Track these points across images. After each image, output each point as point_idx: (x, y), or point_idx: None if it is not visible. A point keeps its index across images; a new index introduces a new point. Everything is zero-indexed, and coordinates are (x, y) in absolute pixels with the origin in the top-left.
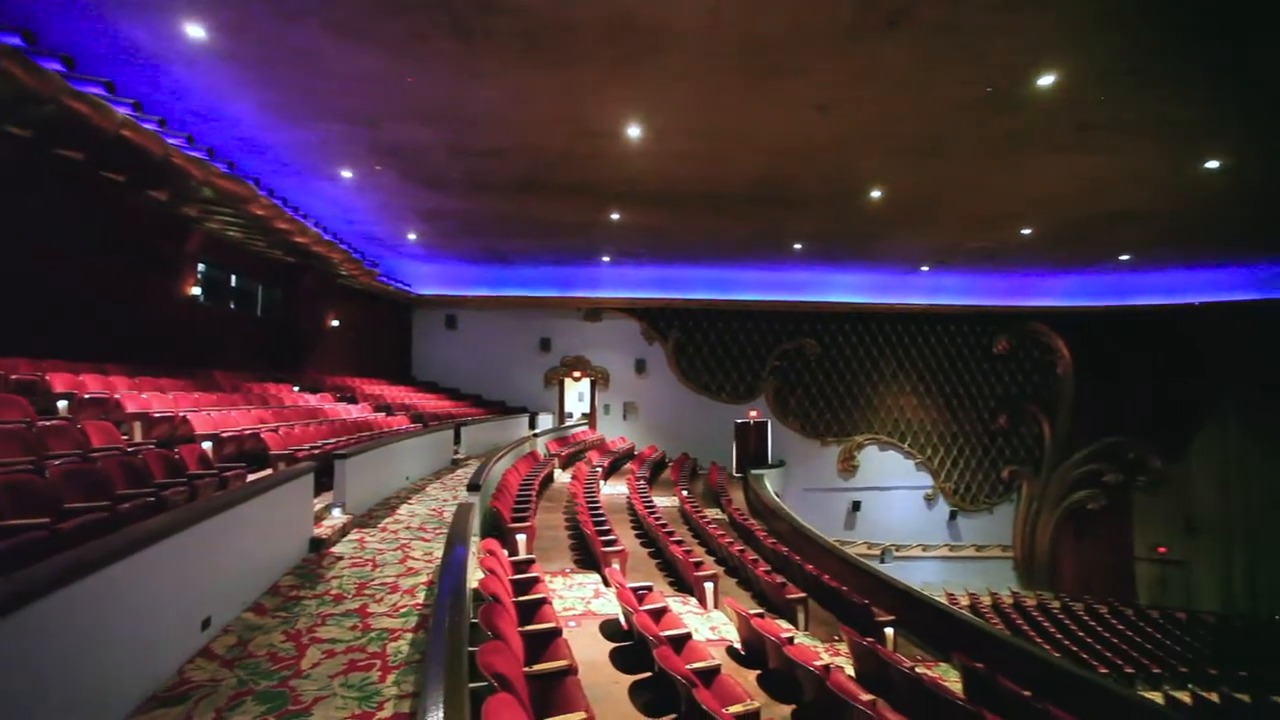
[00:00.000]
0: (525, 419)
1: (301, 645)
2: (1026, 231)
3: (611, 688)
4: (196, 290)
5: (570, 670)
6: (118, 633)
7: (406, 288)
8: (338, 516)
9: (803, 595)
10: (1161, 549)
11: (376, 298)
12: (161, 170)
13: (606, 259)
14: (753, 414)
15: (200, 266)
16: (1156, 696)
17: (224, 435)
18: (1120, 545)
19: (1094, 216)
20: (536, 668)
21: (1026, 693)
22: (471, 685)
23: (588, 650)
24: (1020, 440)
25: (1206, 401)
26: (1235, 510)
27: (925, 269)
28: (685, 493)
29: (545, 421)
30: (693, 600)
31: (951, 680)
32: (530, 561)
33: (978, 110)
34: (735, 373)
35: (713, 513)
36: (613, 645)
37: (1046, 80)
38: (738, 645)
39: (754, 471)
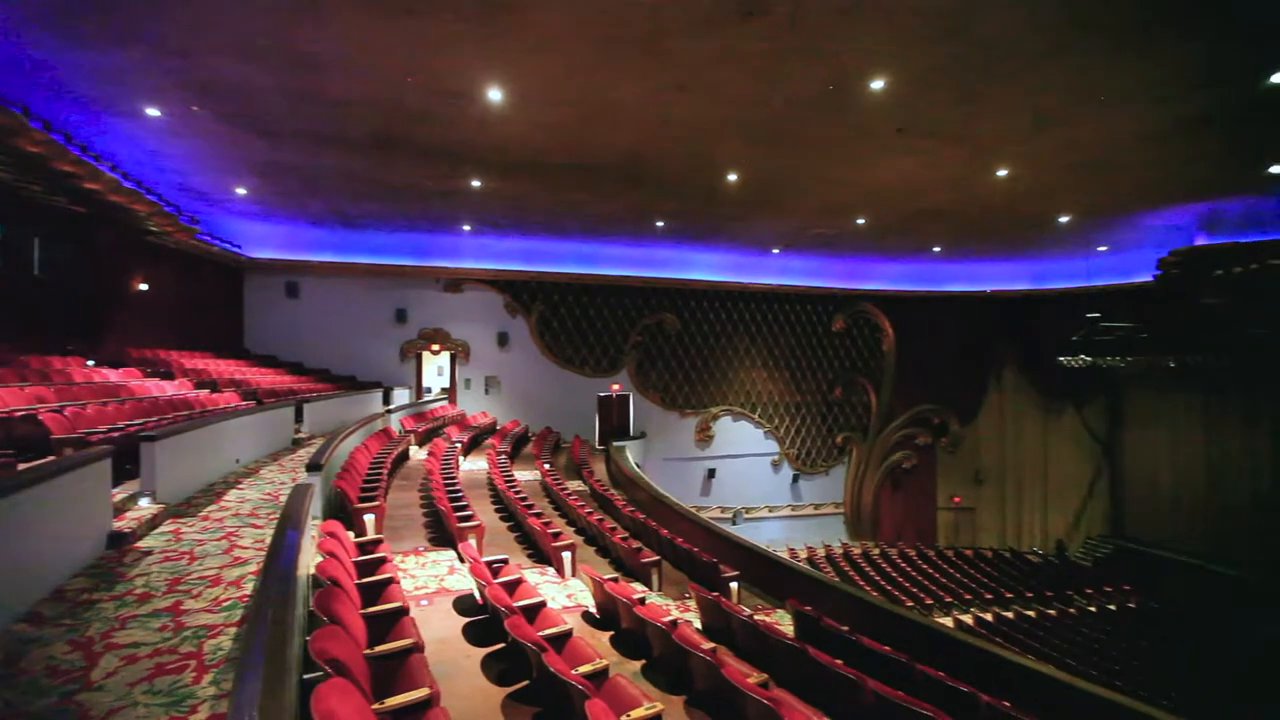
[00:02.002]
0: (379, 395)
1: (93, 654)
2: (861, 221)
3: (464, 662)
4: None
5: (416, 648)
6: None
7: (236, 249)
8: (146, 507)
9: (657, 559)
10: (956, 499)
11: (199, 260)
12: None
13: (468, 228)
14: (615, 387)
15: None
16: (948, 620)
17: None
18: (927, 497)
19: (913, 212)
20: (378, 649)
21: (845, 628)
22: (306, 676)
23: (440, 628)
24: (852, 409)
25: (993, 373)
26: (1009, 464)
27: (776, 251)
28: (547, 466)
29: (401, 397)
30: (551, 570)
31: (786, 624)
32: (378, 542)
33: (821, 106)
34: (599, 347)
35: (574, 485)
36: (466, 620)
37: (878, 84)
38: (593, 610)
39: (616, 443)
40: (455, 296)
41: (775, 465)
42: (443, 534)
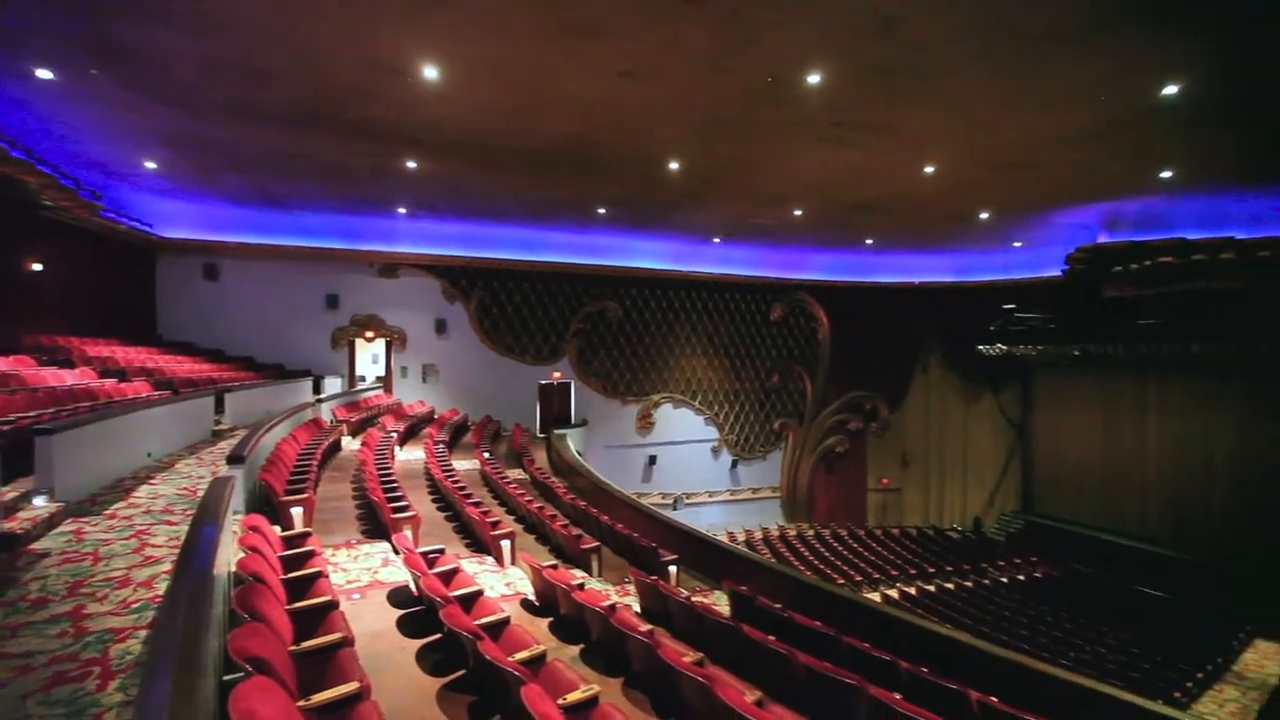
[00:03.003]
0: (308, 383)
1: None
2: (798, 213)
3: (398, 654)
4: None
5: (346, 642)
6: None
7: (147, 228)
8: (42, 506)
9: (597, 545)
10: (885, 480)
11: (103, 239)
12: None
13: (403, 211)
14: (556, 375)
15: None
16: (876, 596)
17: None
18: (858, 480)
19: (847, 204)
20: (305, 645)
21: (778, 606)
22: (227, 677)
23: (373, 621)
24: (789, 396)
25: (919, 361)
26: (933, 446)
27: (717, 241)
28: (487, 455)
29: (333, 386)
30: (490, 560)
31: (722, 604)
32: (306, 535)
33: (761, 97)
34: (540, 334)
35: (515, 473)
36: (401, 613)
37: (814, 79)
38: (533, 598)
39: (557, 431)
40: (390, 282)
41: (715, 451)
42: (376, 526)
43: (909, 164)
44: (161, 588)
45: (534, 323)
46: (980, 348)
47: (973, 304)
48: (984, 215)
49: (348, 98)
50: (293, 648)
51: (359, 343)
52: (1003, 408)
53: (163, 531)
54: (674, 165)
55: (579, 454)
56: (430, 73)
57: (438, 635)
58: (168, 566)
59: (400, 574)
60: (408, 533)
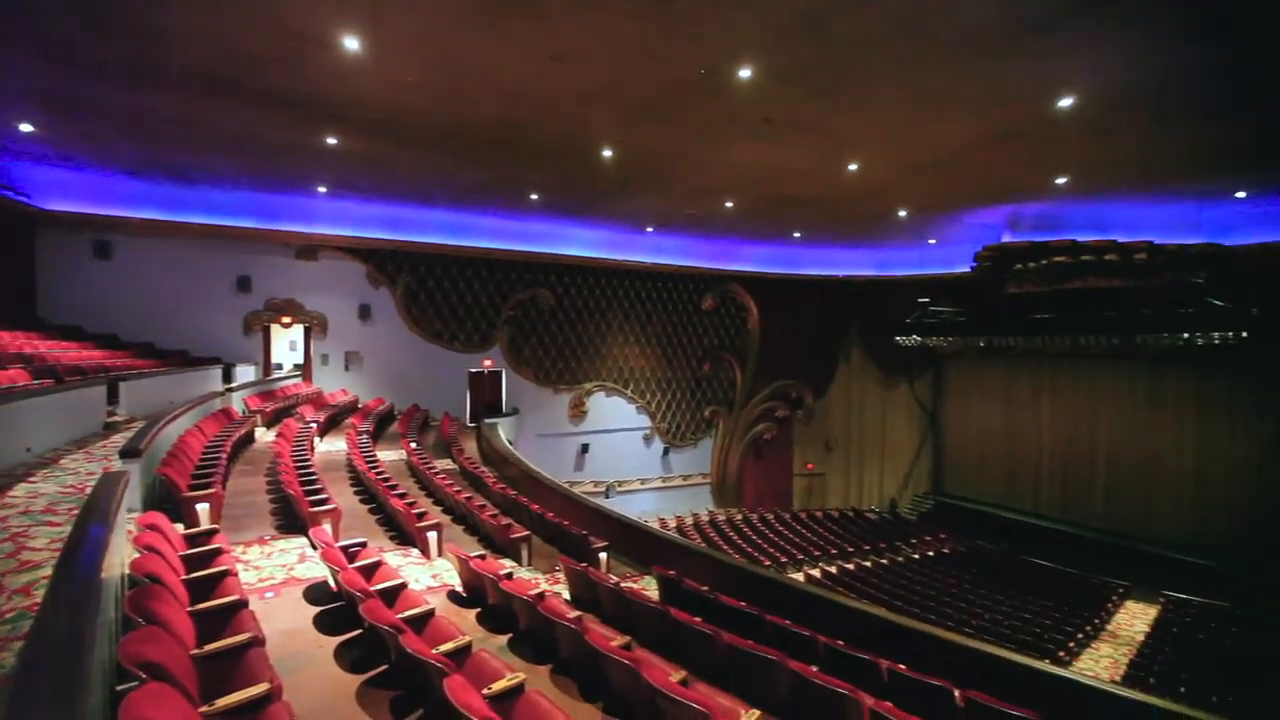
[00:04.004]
0: (217, 372)
1: None
2: (729, 204)
3: (315, 652)
4: None
5: (255, 642)
6: None
7: (24, 199)
8: None
9: (527, 534)
10: (809, 465)
11: None
12: None
13: (323, 190)
14: (487, 363)
15: None
16: (800, 575)
17: None
18: (784, 465)
19: (776, 198)
20: (208, 648)
21: (705, 588)
22: (120, 686)
23: (288, 619)
24: (719, 384)
25: (843, 351)
26: (854, 433)
27: (650, 230)
28: (414, 445)
29: (246, 374)
30: (415, 552)
31: (652, 589)
32: (212, 533)
33: (693, 89)
34: (470, 321)
35: (443, 464)
36: (318, 609)
37: (745, 73)
38: (460, 589)
39: (488, 420)
40: (310, 265)
41: (647, 439)
42: (293, 521)
43: (834, 161)
44: (40, 594)
45: (464, 309)
46: (898, 339)
47: (892, 297)
48: (902, 213)
49: (257, 65)
50: (195, 651)
51: (275, 329)
52: (917, 396)
53: (43, 534)
54: (606, 153)
55: (510, 443)
56: (351, 44)
57: (358, 631)
58: (49, 571)
59: (318, 570)
60: (327, 526)
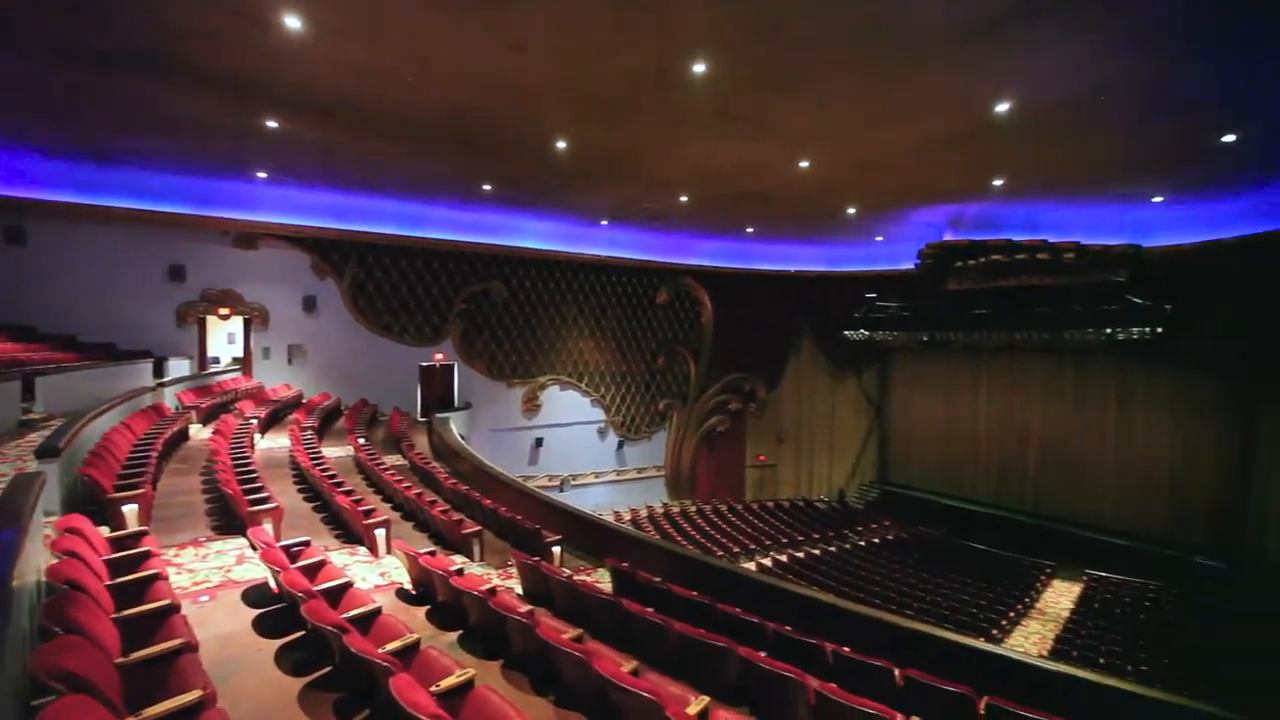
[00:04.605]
0: (147, 366)
1: None
2: (684, 199)
3: (254, 656)
4: None
5: (187, 648)
6: None
7: None
8: None
9: (478, 529)
10: (761, 457)
11: None
12: None
13: (263, 175)
14: (439, 357)
15: None
16: (751, 565)
17: None
18: (737, 457)
19: (729, 193)
20: (134, 656)
21: (658, 579)
22: (36, 701)
23: (225, 623)
24: (674, 377)
25: (794, 345)
26: (804, 425)
27: (604, 223)
28: (362, 441)
29: (179, 368)
30: (362, 550)
31: (605, 582)
32: (141, 535)
33: (650, 83)
34: (420, 314)
35: (393, 460)
36: (258, 612)
37: (700, 68)
38: (409, 587)
39: (439, 415)
40: (249, 254)
41: (601, 432)
42: (231, 521)
43: (785, 158)
44: None
45: (414, 302)
46: (846, 333)
47: (841, 292)
48: (851, 210)
49: (189, 41)
50: (120, 660)
51: (211, 320)
52: (864, 388)
53: None
54: (561, 144)
55: (462, 438)
56: (292, 22)
57: (301, 633)
58: None
59: (258, 571)
60: (267, 526)
